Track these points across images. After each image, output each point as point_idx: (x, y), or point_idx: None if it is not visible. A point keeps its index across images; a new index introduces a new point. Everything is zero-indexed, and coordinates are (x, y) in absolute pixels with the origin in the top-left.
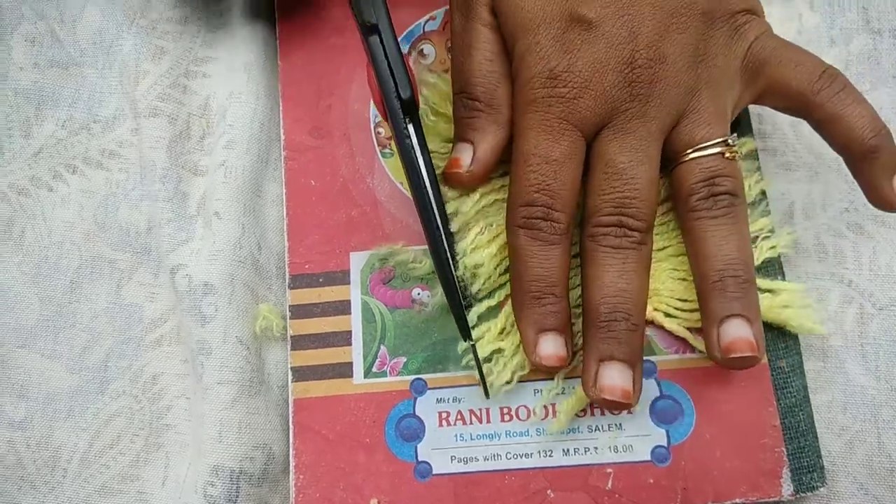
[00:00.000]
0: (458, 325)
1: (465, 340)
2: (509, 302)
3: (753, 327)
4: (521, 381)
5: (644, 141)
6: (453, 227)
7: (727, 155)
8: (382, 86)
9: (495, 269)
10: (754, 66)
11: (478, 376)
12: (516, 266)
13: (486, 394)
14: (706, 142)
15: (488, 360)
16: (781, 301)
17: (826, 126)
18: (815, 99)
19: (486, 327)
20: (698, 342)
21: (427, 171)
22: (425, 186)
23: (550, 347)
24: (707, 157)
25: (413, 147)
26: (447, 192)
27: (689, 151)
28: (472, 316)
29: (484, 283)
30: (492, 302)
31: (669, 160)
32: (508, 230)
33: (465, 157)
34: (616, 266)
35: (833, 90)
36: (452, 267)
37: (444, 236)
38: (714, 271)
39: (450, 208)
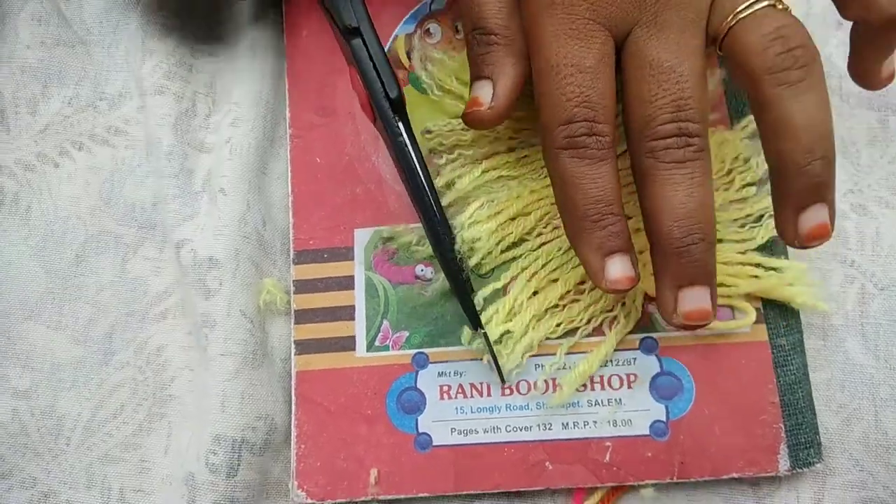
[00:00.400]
0: (467, 315)
1: (476, 330)
2: (515, 283)
3: (831, 210)
4: (541, 353)
5: (685, 32)
6: (447, 199)
7: (779, 6)
8: (370, 88)
9: (497, 245)
10: None
11: (490, 362)
12: (566, 191)
13: (502, 379)
14: (747, 2)
15: (497, 342)
16: (787, 279)
17: None
18: None
19: (494, 309)
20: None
21: (421, 169)
22: (423, 185)
23: (619, 269)
24: (761, 10)
25: (406, 145)
26: (445, 163)
27: (737, 12)
28: (478, 299)
29: (483, 259)
30: (497, 284)
31: (715, 39)
32: (548, 155)
33: (485, 94)
34: (685, 183)
35: None
36: (459, 263)
37: (447, 234)
38: (803, 152)
39: (441, 180)
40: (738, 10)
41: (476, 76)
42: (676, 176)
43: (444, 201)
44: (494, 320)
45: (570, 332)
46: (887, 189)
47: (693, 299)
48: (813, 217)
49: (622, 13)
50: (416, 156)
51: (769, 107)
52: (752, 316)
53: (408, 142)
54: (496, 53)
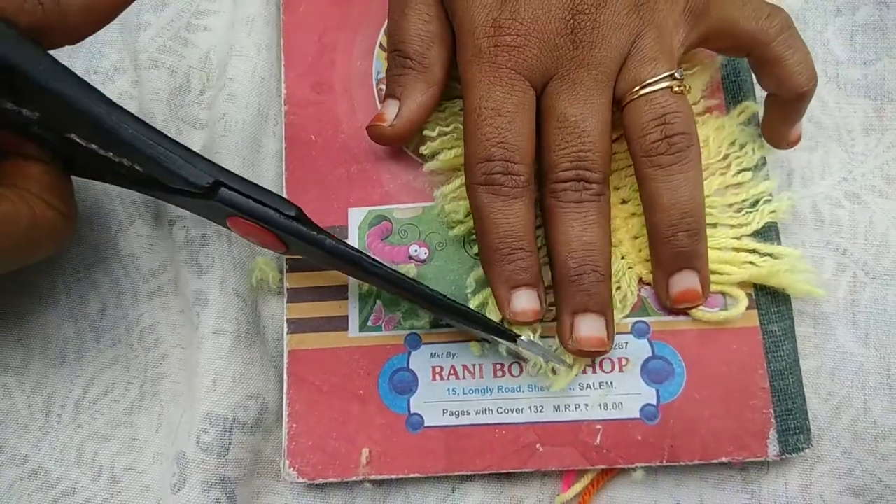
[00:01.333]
0: (499, 337)
1: (515, 342)
2: None
3: (701, 276)
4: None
5: (592, 90)
6: (428, 167)
7: (675, 89)
8: (271, 223)
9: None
10: (699, 7)
11: (544, 359)
12: (481, 224)
13: (567, 364)
14: (652, 78)
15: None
16: (783, 265)
17: (767, 65)
18: (762, 38)
19: (488, 293)
20: (694, 310)
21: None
22: (380, 265)
23: (524, 303)
24: (655, 92)
25: (342, 242)
26: (437, 135)
27: (636, 89)
28: (470, 280)
29: (464, 231)
30: None
31: (619, 103)
32: (469, 190)
33: (390, 112)
34: (579, 220)
35: (778, 30)
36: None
37: (431, 289)
38: (666, 226)
39: (427, 149)
40: (638, 86)
41: (387, 94)
42: (572, 213)
43: (426, 169)
44: (491, 303)
45: None
46: (881, 178)
47: (587, 326)
48: (680, 282)
49: (541, 66)
50: (354, 247)
51: (643, 183)
52: (743, 305)
53: (336, 240)
54: (408, 77)
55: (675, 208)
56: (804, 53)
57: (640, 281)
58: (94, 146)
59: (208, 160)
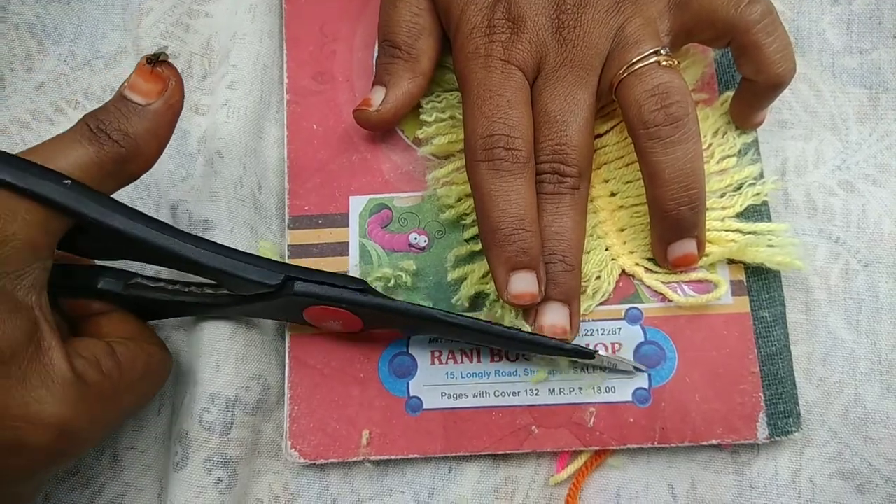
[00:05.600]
0: (580, 357)
1: (594, 357)
2: None
3: (698, 240)
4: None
5: (574, 86)
6: (425, 151)
7: (664, 63)
8: (352, 302)
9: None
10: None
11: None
12: (482, 204)
13: (590, 356)
14: (638, 56)
15: (479, 306)
16: (761, 240)
17: (746, 53)
18: (741, 25)
19: (471, 269)
20: (676, 296)
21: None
22: (467, 317)
23: (522, 286)
24: (643, 67)
25: (418, 305)
26: (434, 121)
27: (624, 68)
28: (450, 256)
29: (454, 216)
30: (476, 247)
31: (611, 90)
32: (469, 170)
33: (376, 98)
34: (550, 210)
35: (758, 17)
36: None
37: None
38: (668, 200)
39: (422, 133)
40: (626, 66)
41: (375, 81)
42: (544, 204)
43: (420, 153)
44: (470, 279)
45: None
46: (875, 167)
47: (551, 314)
48: (679, 248)
49: (531, 61)
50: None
51: (642, 157)
52: (723, 289)
53: (410, 303)
54: (396, 66)
55: (677, 182)
56: (784, 42)
57: (623, 273)
58: (161, 283)
59: (269, 259)
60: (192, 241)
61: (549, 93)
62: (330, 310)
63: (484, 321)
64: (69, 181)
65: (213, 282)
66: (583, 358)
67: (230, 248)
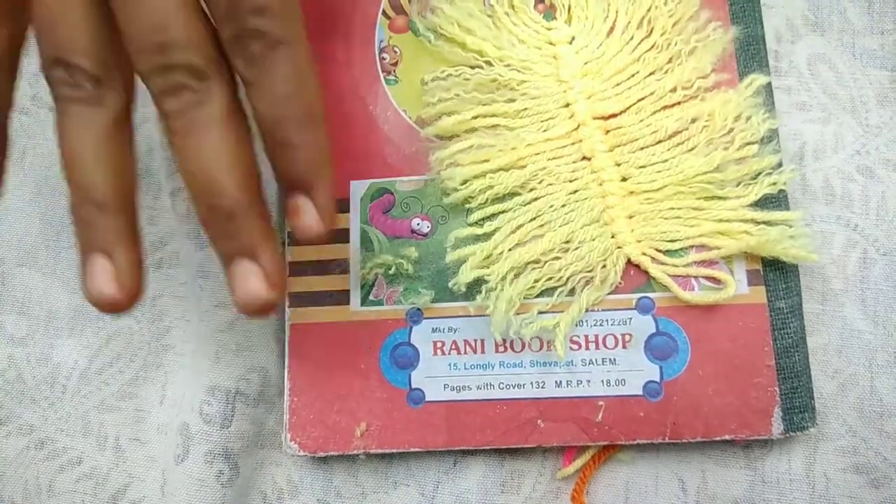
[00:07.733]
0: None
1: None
2: (498, 232)
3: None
4: (517, 313)
5: None
6: (429, 132)
7: None
8: None
9: (481, 193)
10: None
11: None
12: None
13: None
14: None
15: (475, 293)
16: (775, 234)
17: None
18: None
19: (471, 251)
20: (682, 292)
21: None
22: None
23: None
24: None
25: None
26: (437, 101)
27: None
28: (451, 237)
29: (460, 199)
30: (478, 230)
31: None
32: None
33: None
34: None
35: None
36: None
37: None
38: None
39: (426, 113)
40: None
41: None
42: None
43: (423, 135)
44: (471, 262)
45: (547, 292)
46: (895, 152)
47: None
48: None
49: None
50: None
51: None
52: (731, 290)
53: None
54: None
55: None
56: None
57: (629, 262)
58: None
59: None
60: None
61: None
62: None
63: None
64: None
65: None
66: None
67: None
